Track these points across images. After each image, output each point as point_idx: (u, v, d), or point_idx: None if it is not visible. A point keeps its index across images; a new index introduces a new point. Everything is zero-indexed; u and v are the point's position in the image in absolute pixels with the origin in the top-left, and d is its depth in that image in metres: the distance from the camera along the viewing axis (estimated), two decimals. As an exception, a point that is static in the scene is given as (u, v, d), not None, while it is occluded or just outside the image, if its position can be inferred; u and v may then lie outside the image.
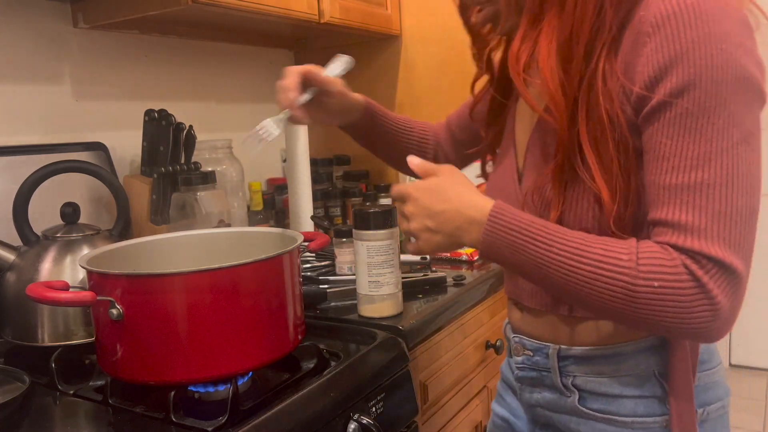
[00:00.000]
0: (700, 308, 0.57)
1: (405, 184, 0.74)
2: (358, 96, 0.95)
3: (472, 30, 0.85)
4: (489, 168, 0.92)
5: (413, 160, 0.76)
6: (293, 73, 0.84)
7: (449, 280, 1.22)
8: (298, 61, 1.77)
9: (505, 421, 0.90)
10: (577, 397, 0.74)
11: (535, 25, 0.68)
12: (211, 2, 1.14)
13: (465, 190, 0.69)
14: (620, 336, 0.70)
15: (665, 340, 0.69)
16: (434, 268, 1.33)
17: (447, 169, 0.73)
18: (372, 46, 1.80)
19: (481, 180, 0.92)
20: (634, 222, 0.65)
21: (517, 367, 0.82)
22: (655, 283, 0.58)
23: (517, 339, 0.81)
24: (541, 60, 0.66)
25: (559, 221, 0.67)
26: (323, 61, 0.90)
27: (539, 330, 0.78)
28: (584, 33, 0.64)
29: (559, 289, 0.64)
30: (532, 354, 0.78)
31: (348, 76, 0.92)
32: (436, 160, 1.04)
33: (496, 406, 0.93)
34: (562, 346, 0.74)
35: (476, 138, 0.96)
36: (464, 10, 0.83)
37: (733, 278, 0.57)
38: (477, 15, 0.79)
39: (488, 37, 0.85)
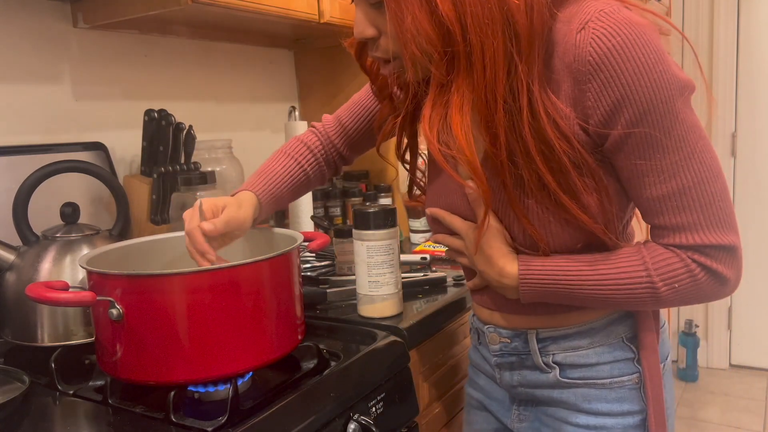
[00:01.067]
0: (715, 287, 0.69)
1: (465, 226, 0.78)
2: (245, 196, 0.92)
3: (370, 72, 0.86)
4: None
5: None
6: (200, 242, 0.82)
7: (449, 280, 1.22)
8: (298, 61, 1.77)
9: (480, 403, 0.93)
10: (557, 371, 0.78)
11: (444, 91, 0.68)
12: (211, 2, 1.14)
13: (493, 253, 0.75)
14: (591, 314, 0.77)
15: (630, 311, 0.77)
16: (434, 268, 1.33)
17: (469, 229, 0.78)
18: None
19: None
20: (617, 219, 0.72)
21: (495, 355, 0.84)
22: (676, 285, 0.68)
23: (491, 329, 0.83)
24: (455, 128, 0.66)
25: (549, 248, 0.73)
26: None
27: (513, 323, 0.81)
28: (499, 92, 0.64)
29: (597, 306, 0.75)
30: (509, 341, 0.82)
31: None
32: (328, 163, 1.03)
33: (470, 390, 0.95)
34: (540, 329, 0.78)
35: (368, 131, 1.00)
36: (360, 54, 0.83)
37: (733, 253, 0.67)
38: (382, 66, 0.77)
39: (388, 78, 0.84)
